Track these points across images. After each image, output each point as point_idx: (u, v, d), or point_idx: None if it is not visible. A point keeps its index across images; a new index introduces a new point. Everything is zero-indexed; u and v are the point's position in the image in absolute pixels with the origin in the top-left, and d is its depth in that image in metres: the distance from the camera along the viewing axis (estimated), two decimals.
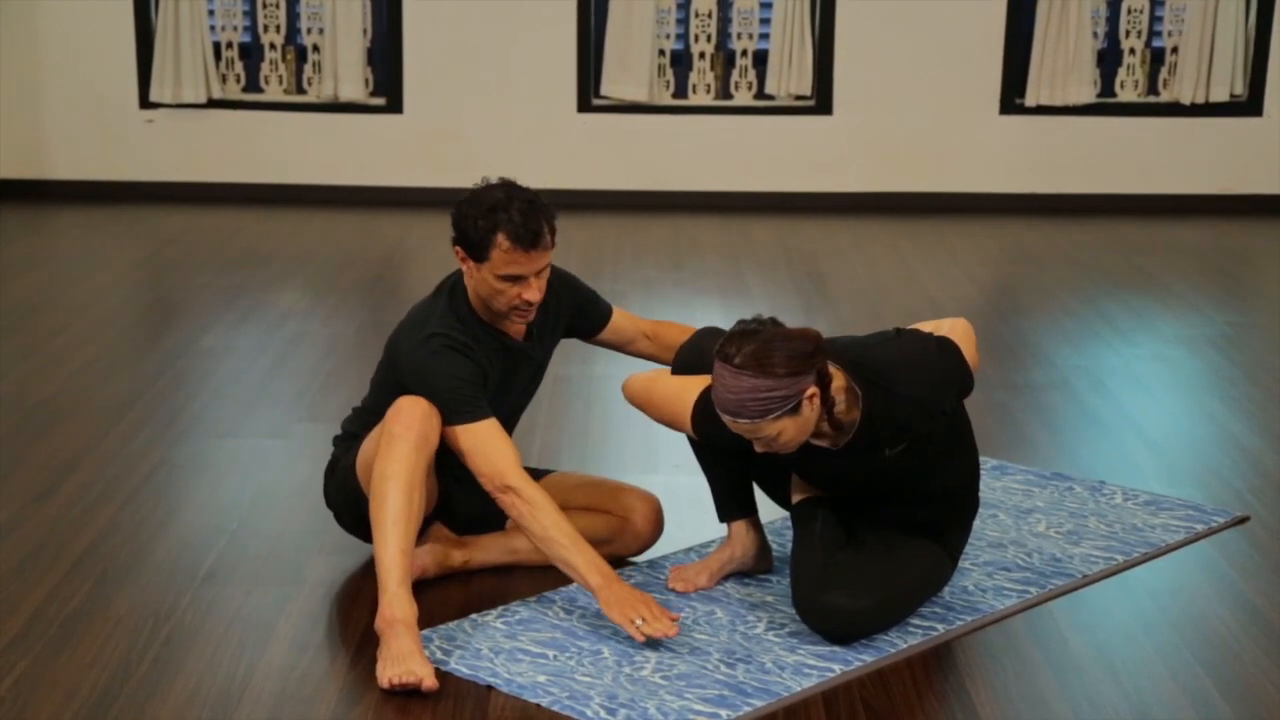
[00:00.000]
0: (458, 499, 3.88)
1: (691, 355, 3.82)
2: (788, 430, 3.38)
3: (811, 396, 3.36)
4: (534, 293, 3.69)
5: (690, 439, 3.83)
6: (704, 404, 3.62)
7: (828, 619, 3.52)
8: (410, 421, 3.59)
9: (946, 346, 3.59)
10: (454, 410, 3.66)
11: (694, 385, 3.70)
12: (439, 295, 3.83)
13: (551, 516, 3.60)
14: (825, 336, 3.58)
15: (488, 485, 3.66)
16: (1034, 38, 8.92)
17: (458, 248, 3.72)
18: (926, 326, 3.74)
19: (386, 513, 3.52)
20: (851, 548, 3.64)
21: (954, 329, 3.71)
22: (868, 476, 3.59)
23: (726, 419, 3.39)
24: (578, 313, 4.03)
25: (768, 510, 3.99)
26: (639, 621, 3.48)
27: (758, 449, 3.45)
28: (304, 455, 4.73)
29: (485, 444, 3.65)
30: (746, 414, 3.34)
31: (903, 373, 3.50)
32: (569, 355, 5.51)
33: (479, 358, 3.73)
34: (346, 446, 3.93)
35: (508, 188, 3.71)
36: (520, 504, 3.60)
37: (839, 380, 3.44)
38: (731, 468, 3.82)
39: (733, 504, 3.85)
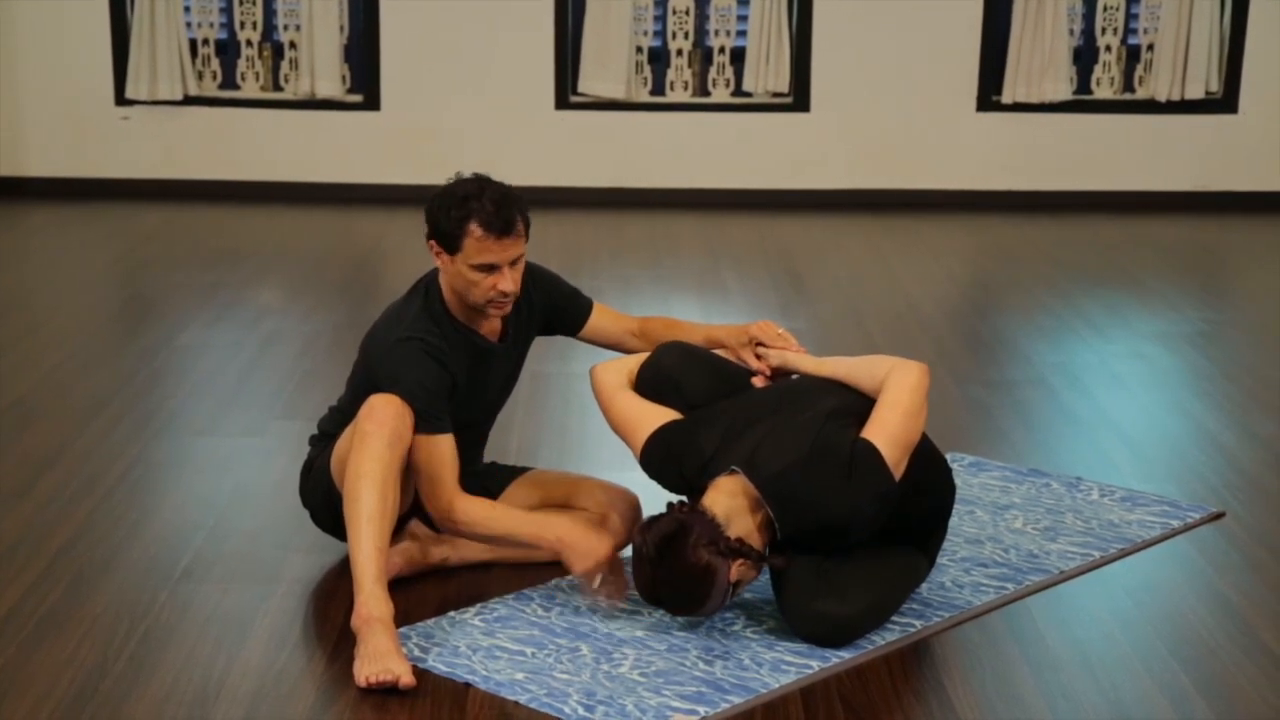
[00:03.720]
0: None
1: (650, 375, 3.84)
2: (740, 587, 3.51)
3: (738, 567, 3.46)
4: (508, 283, 3.70)
5: None
6: (650, 448, 3.69)
7: (820, 626, 3.51)
8: (383, 419, 3.58)
9: (862, 464, 3.51)
10: (417, 418, 3.66)
11: (650, 418, 3.74)
12: (414, 295, 3.83)
13: (495, 518, 3.71)
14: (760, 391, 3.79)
15: (430, 508, 3.71)
16: (1010, 35, 8.94)
17: (431, 241, 3.73)
18: (883, 365, 3.71)
19: (360, 510, 3.52)
20: (836, 555, 3.62)
21: (905, 379, 3.64)
22: (821, 554, 3.61)
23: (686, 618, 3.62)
24: (555, 311, 4.02)
25: None
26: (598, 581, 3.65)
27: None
28: (281, 453, 4.72)
29: (438, 465, 3.68)
30: (699, 614, 3.53)
31: (815, 500, 3.50)
32: (547, 353, 5.50)
33: (450, 363, 3.73)
34: (322, 447, 3.92)
35: (480, 180, 3.73)
36: (462, 529, 3.74)
37: (745, 521, 3.50)
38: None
39: None
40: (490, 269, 3.68)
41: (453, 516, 3.70)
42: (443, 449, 3.68)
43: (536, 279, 3.97)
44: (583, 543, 3.66)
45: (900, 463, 3.54)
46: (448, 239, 3.69)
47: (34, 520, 4.22)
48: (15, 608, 3.68)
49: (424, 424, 3.66)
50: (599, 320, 4.10)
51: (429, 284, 3.83)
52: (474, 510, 3.71)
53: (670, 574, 3.42)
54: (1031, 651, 3.55)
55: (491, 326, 3.86)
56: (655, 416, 3.74)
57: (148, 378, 5.60)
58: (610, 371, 3.89)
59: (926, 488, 3.68)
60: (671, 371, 3.81)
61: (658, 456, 3.69)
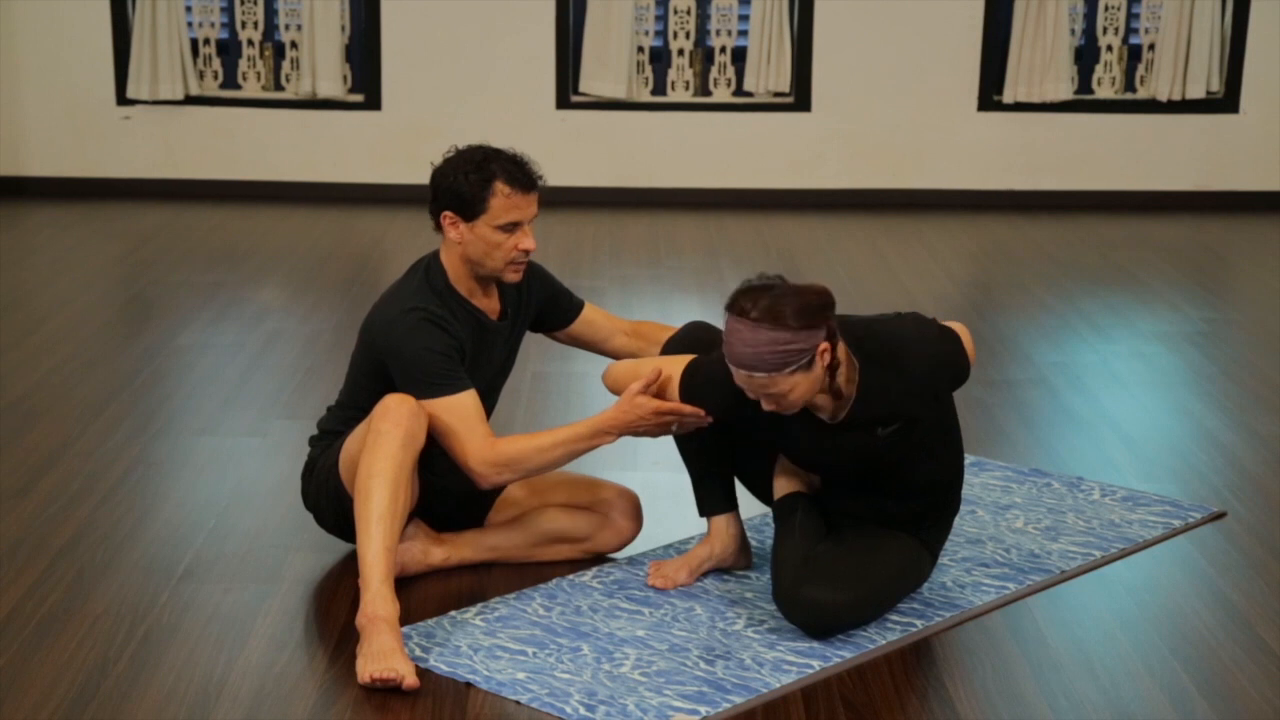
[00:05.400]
0: (436, 495, 3.88)
1: (684, 342, 3.82)
2: (800, 386, 3.40)
3: (824, 352, 3.39)
4: (530, 241, 3.76)
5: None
6: (692, 371, 3.63)
7: (806, 612, 3.52)
8: (398, 419, 3.58)
9: (948, 333, 3.62)
10: (433, 384, 3.67)
11: (679, 360, 3.70)
12: (412, 274, 3.85)
13: (544, 442, 3.69)
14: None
15: (473, 464, 3.66)
16: (1012, 34, 8.95)
17: (446, 214, 3.74)
18: None
19: (371, 509, 3.51)
20: (832, 541, 3.65)
21: (954, 326, 3.74)
22: (857, 458, 3.60)
23: (741, 375, 3.41)
24: (549, 301, 4.05)
25: (747, 507, 3.99)
26: (673, 428, 3.64)
27: (765, 407, 3.46)
28: (282, 453, 4.72)
29: (470, 419, 3.67)
30: (764, 367, 3.36)
31: (903, 349, 3.54)
32: (548, 353, 5.50)
33: (455, 332, 3.74)
34: (324, 446, 3.92)
35: (484, 146, 3.79)
36: (512, 471, 3.70)
37: (841, 349, 3.48)
38: (713, 462, 3.82)
39: (714, 499, 3.85)
40: (513, 227, 3.72)
41: (503, 460, 3.67)
42: (468, 404, 3.69)
43: (534, 270, 4.00)
44: (631, 415, 3.63)
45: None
46: (469, 204, 3.71)
47: (35, 520, 4.22)
48: (16, 608, 3.68)
49: (442, 388, 3.67)
50: (591, 314, 4.12)
51: (429, 263, 3.85)
52: (521, 445, 3.70)
53: (780, 302, 3.35)
54: (1032, 651, 3.55)
55: (491, 305, 3.87)
56: (681, 360, 3.70)
57: (148, 377, 5.60)
58: (623, 362, 3.86)
59: (943, 444, 3.68)
60: (703, 337, 3.80)
61: (701, 376, 3.63)
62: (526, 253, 3.76)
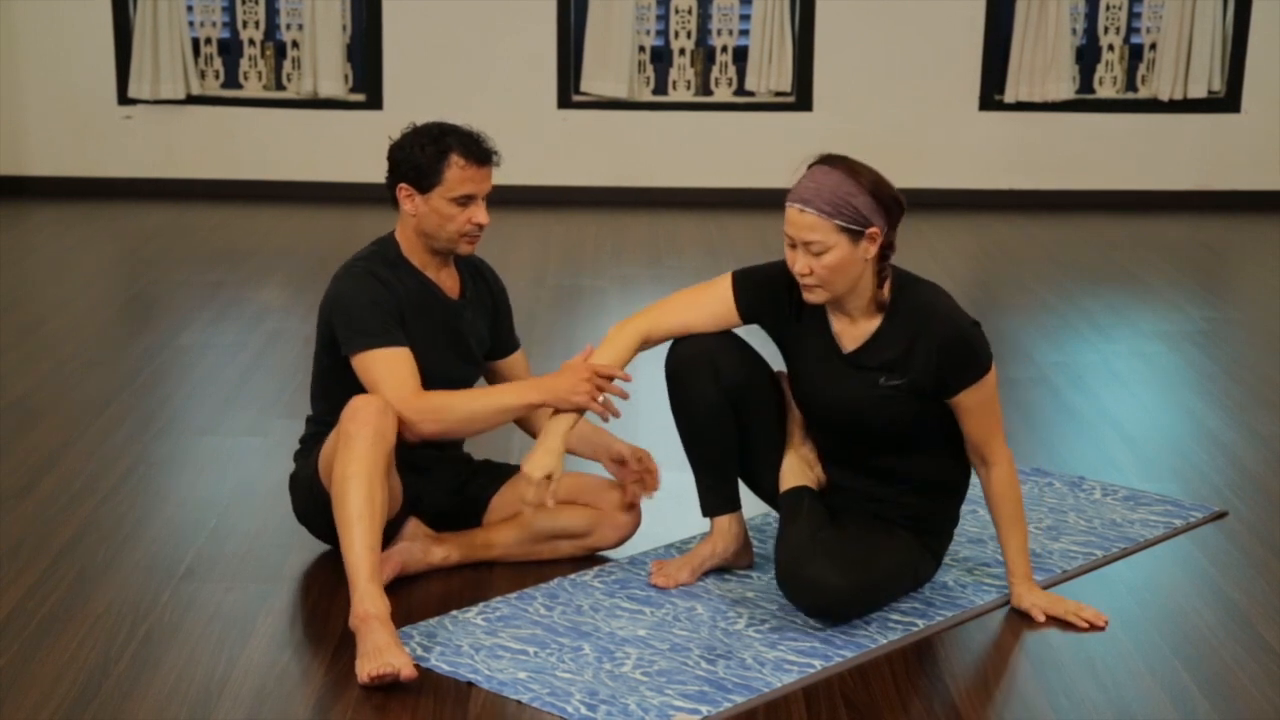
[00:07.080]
0: (425, 491, 3.88)
1: (689, 340, 3.85)
2: (838, 251, 3.51)
3: (873, 237, 3.51)
4: (483, 215, 3.80)
5: (680, 427, 3.82)
6: (746, 271, 3.81)
7: (809, 592, 3.53)
8: (365, 419, 3.57)
9: (976, 326, 3.67)
10: (368, 334, 3.70)
11: (708, 284, 3.83)
12: (366, 248, 3.91)
13: (464, 396, 3.75)
14: None
15: (412, 415, 3.65)
16: (1013, 34, 8.95)
17: (402, 185, 3.79)
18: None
19: (349, 511, 3.50)
20: (837, 528, 3.66)
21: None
22: (854, 404, 3.62)
23: (794, 210, 3.56)
24: (499, 322, 4.07)
25: (749, 508, 3.99)
26: (599, 399, 3.66)
27: (798, 268, 3.55)
28: (283, 452, 4.71)
29: (405, 372, 3.68)
30: (818, 203, 3.52)
31: (933, 310, 3.61)
32: (550, 351, 5.51)
33: (396, 291, 3.78)
34: (305, 455, 3.93)
35: (441, 122, 3.83)
36: (437, 418, 3.67)
37: (886, 286, 3.60)
38: (719, 461, 3.82)
39: (718, 499, 3.85)
40: (467, 201, 3.76)
41: (427, 404, 3.67)
42: (401, 358, 3.71)
43: (499, 283, 4.07)
44: (564, 380, 3.66)
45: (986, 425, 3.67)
46: (424, 175, 3.76)
47: (36, 520, 4.22)
48: (17, 607, 3.68)
49: (377, 339, 3.70)
50: (520, 360, 4.13)
51: (383, 237, 3.91)
52: (458, 397, 3.75)
53: (861, 166, 3.57)
54: (1034, 650, 3.55)
55: (449, 283, 3.90)
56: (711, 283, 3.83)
57: (150, 377, 5.60)
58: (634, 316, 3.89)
59: (943, 443, 3.70)
60: (707, 338, 3.84)
61: (755, 274, 3.77)
62: (480, 227, 3.80)
